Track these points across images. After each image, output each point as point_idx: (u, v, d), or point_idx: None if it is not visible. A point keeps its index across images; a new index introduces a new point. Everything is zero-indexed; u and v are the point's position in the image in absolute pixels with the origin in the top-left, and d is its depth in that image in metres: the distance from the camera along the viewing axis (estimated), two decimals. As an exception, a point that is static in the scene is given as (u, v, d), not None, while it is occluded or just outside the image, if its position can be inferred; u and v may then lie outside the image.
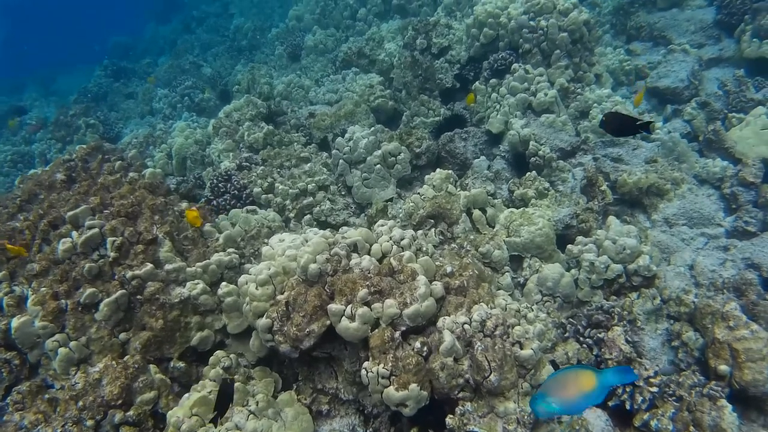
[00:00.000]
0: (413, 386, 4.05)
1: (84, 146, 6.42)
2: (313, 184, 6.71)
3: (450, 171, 6.37)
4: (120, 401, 4.37)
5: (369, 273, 4.55)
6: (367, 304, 4.36)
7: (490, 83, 7.39)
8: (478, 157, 7.03)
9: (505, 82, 7.20)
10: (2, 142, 11.66)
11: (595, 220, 5.91)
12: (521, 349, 4.20)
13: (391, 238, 4.98)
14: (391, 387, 4.10)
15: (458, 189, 6.23)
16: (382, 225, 5.34)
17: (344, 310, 4.36)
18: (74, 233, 5.08)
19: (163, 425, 4.53)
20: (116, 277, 4.91)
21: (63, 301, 4.77)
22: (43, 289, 4.81)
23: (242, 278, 4.94)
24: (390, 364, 4.13)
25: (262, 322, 4.60)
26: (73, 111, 10.70)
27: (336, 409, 4.82)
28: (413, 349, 4.24)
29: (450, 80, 7.97)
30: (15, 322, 4.74)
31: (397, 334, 4.28)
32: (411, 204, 6.06)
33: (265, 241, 6.14)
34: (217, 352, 4.93)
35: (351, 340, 4.40)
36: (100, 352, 4.79)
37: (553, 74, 7.15)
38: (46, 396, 4.69)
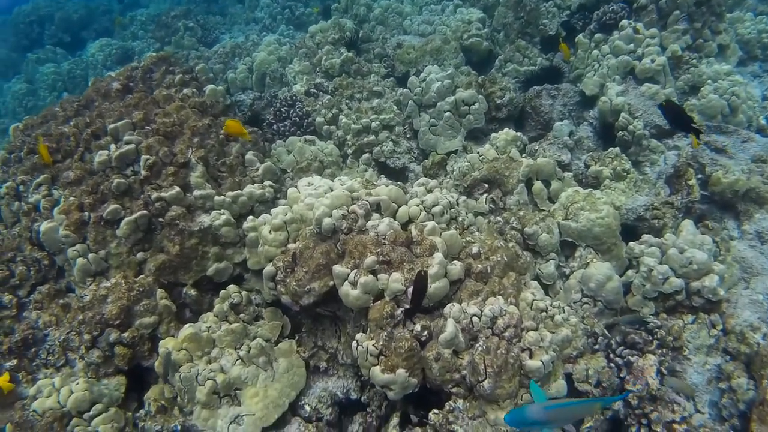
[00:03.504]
0: (401, 371, 3.74)
1: (152, 55, 6.33)
2: (378, 122, 6.31)
3: (519, 134, 5.72)
4: (118, 321, 4.37)
5: (383, 239, 4.19)
6: (374, 272, 4.04)
7: (595, 38, 6.53)
8: (564, 120, 6.32)
9: (610, 40, 6.33)
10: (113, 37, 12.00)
11: (673, 217, 5.15)
12: (530, 357, 3.75)
13: (422, 202, 4.56)
14: (378, 367, 3.82)
15: (524, 155, 5.59)
16: (422, 184, 4.92)
17: (348, 275, 4.07)
18: (112, 146, 5.04)
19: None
20: (142, 196, 4.85)
21: (87, 213, 4.78)
22: (71, 198, 4.84)
23: (261, 218, 4.75)
24: (382, 342, 3.83)
25: (267, 269, 4.41)
26: (174, 12, 10.74)
27: (334, 368, 4.63)
28: (411, 332, 3.91)
29: (555, 27, 7.14)
30: (43, 227, 4.84)
31: (399, 311, 3.95)
32: (467, 163, 5.54)
33: (313, 176, 5.90)
34: (229, 286, 4.84)
35: (351, 307, 4.13)
36: (118, 267, 4.82)
37: (667, 38, 6.18)
38: (61, 301, 4.81)
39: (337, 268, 4.10)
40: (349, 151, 6.27)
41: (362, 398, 4.46)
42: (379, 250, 4.07)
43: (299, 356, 4.58)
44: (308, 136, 6.29)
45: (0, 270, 4.87)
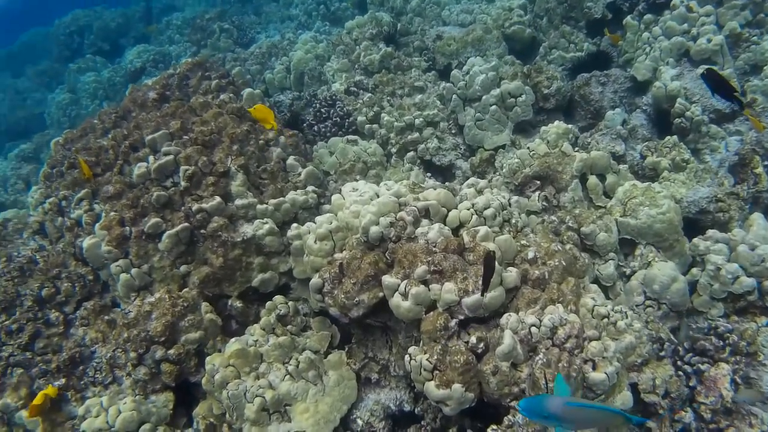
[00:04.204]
0: (457, 387, 3.56)
1: (188, 61, 6.22)
2: (422, 119, 6.08)
3: (570, 126, 5.44)
4: (163, 338, 4.28)
5: (434, 247, 3.99)
6: (425, 282, 3.85)
7: (644, 19, 6.18)
8: (615, 108, 6.01)
9: (661, 20, 5.98)
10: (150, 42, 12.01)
11: (739, 209, 4.82)
12: (593, 369, 3.52)
13: (473, 205, 4.34)
14: (433, 382, 3.65)
15: (577, 149, 5.30)
16: (471, 185, 4.70)
17: (399, 286, 3.89)
18: (151, 158, 4.94)
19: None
20: (183, 207, 4.75)
21: (128, 228, 4.70)
22: (112, 213, 4.76)
23: (305, 226, 4.59)
24: (436, 357, 3.66)
25: (313, 281, 4.25)
26: (209, 15, 10.63)
27: (386, 379, 4.46)
28: (467, 344, 3.71)
29: (600, 10, 6.78)
30: (86, 243, 4.78)
31: (453, 322, 3.76)
32: (516, 160, 5.29)
33: (357, 178, 5.74)
34: (276, 297, 4.71)
35: (402, 319, 3.95)
36: (161, 281, 4.73)
37: (724, 15, 5.79)
38: (107, 317, 4.74)
39: (387, 279, 3.92)
40: (393, 150, 6.07)
41: (416, 410, 4.28)
42: (429, 259, 3.88)
43: (349, 368, 4.42)
44: (350, 137, 6.11)
45: (46, 287, 4.81)
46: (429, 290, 3.83)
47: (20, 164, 10.13)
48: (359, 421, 4.26)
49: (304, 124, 6.44)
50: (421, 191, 4.54)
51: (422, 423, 4.22)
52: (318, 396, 4.17)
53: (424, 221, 4.25)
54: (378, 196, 4.42)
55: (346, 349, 4.53)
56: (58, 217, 5.30)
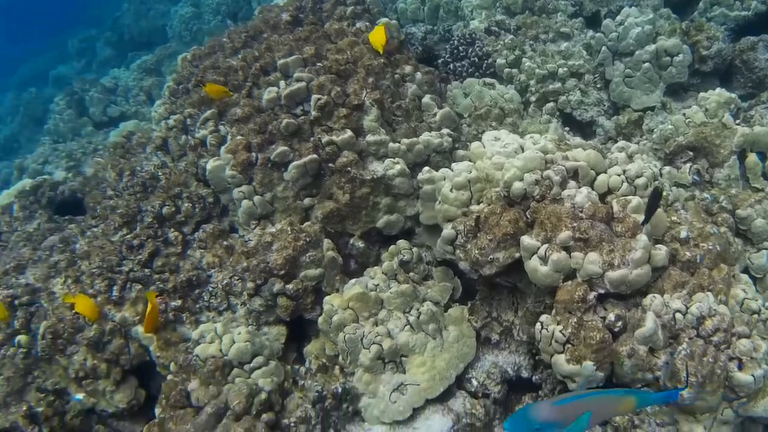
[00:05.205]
0: (588, 364, 3.52)
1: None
2: (566, 69, 5.89)
3: (733, 95, 5.12)
4: (282, 272, 4.42)
5: (581, 212, 3.91)
6: (567, 249, 3.79)
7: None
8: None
9: None
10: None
11: None
12: (739, 369, 3.42)
13: (624, 171, 4.21)
14: (563, 355, 3.63)
15: (738, 122, 5.03)
16: (622, 149, 4.54)
17: (538, 249, 3.85)
18: (282, 83, 5.01)
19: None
20: (312, 138, 4.82)
21: (254, 153, 4.80)
22: (239, 137, 4.87)
23: (440, 172, 4.55)
24: (570, 329, 3.61)
25: (446, 231, 4.24)
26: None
27: (507, 342, 4.46)
28: (603, 321, 3.66)
29: (777, -37, 6.30)
30: (210, 165, 4.92)
31: (592, 295, 3.69)
32: (670, 127, 5.06)
33: (492, 125, 5.66)
34: (399, 242, 4.75)
35: (537, 284, 3.92)
36: (283, 211, 4.86)
37: None
38: (225, 242, 4.92)
39: (527, 240, 3.88)
40: (532, 98, 5.90)
41: (533, 378, 4.28)
42: (575, 224, 3.79)
43: (470, 325, 4.45)
44: (488, 79, 5.96)
45: (167, 206, 5.02)
46: (570, 258, 3.78)
47: (142, 76, 10.52)
48: (474, 382, 4.30)
49: (439, 61, 6.36)
50: (567, 149, 4.43)
51: (539, 393, 4.25)
52: (436, 351, 4.24)
53: (571, 183, 4.14)
54: (522, 150, 4.33)
55: (469, 305, 4.55)
56: (182, 134, 5.47)
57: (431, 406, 4.19)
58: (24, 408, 4.26)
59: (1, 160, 11.68)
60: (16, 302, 4.94)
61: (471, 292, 4.72)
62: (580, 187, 4.08)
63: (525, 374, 4.34)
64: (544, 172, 4.10)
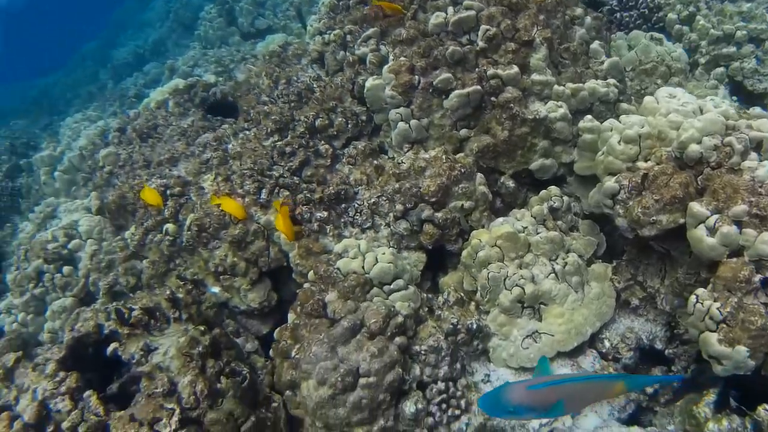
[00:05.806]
0: (741, 348, 3.39)
1: None
2: (744, 32, 5.52)
3: None
4: (434, 199, 4.44)
5: (760, 187, 3.70)
6: (739, 223, 3.62)
7: None
8: None
9: None
10: None
11: None
12: None
13: (816, 153, 3.94)
14: (716, 335, 3.51)
15: None
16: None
17: (707, 218, 3.69)
18: (450, 9, 4.91)
19: (467, 236, 4.60)
20: (477, 69, 4.73)
21: (416, 77, 4.79)
22: (403, 58, 4.85)
23: (607, 123, 4.41)
24: (729, 309, 3.49)
25: (609, 184, 4.13)
26: None
27: (646, 309, 4.37)
28: (766, 308, 3.50)
29: None
30: (369, 83, 4.96)
31: (758, 278, 3.53)
32: None
33: (657, 82, 5.41)
34: (551, 187, 4.73)
35: (699, 255, 3.78)
36: (438, 138, 4.87)
37: None
38: (375, 162, 4.97)
39: (696, 207, 3.72)
40: (702, 60, 5.60)
41: (666, 351, 4.20)
42: (753, 199, 3.60)
43: (612, 285, 4.38)
44: (656, 34, 5.68)
45: (321, 118, 5.10)
46: (741, 234, 3.61)
47: (293, -9, 10.56)
48: (606, 343, 4.26)
49: (604, 8, 6.08)
50: (749, 118, 4.18)
51: (670, 368, 4.17)
52: (576, 305, 4.21)
53: (753, 154, 3.93)
54: (701, 112, 4.12)
55: (614, 263, 4.47)
56: (340, 50, 5.51)
57: (560, 360, 4.20)
58: (168, 292, 4.49)
59: (151, 60, 12.09)
60: (168, 192, 5.17)
61: (613, 252, 4.64)
62: (762, 161, 3.85)
63: (658, 346, 4.25)
64: (725, 139, 3.89)
